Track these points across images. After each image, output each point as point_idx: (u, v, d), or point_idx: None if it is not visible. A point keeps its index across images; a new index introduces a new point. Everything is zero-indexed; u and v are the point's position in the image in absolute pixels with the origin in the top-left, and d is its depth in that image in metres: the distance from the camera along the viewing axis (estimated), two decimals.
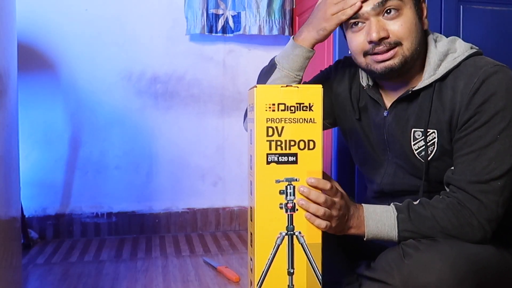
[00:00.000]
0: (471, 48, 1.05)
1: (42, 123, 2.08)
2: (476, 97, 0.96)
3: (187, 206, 2.23)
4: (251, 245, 1.00)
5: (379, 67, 1.03)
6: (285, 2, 2.20)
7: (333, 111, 1.24)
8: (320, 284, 0.97)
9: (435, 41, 1.07)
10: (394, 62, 1.01)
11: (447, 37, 1.10)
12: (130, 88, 2.16)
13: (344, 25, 1.07)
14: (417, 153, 1.07)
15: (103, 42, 2.11)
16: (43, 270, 1.71)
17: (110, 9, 2.12)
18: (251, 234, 1.01)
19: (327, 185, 0.94)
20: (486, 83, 0.96)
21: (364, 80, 1.16)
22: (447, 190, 1.03)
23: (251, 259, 1.01)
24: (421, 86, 1.04)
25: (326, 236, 0.98)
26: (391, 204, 1.03)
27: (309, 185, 0.94)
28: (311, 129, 0.94)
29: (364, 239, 1.02)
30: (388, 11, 1.00)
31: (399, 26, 1.00)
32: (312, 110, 0.94)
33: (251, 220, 0.99)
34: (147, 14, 2.15)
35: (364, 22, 1.02)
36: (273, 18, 2.18)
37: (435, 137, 1.04)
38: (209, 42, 2.22)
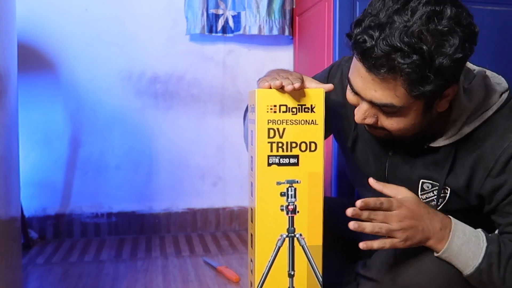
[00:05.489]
0: (502, 93, 0.95)
1: (42, 123, 2.08)
2: (510, 166, 0.88)
3: (187, 206, 2.23)
4: (252, 247, 1.00)
5: (370, 131, 0.97)
6: (285, 2, 2.20)
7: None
8: (321, 286, 0.98)
9: (466, 91, 0.94)
10: (382, 137, 0.96)
11: (471, 71, 0.98)
12: (130, 88, 2.15)
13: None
14: (424, 202, 0.98)
15: (103, 42, 2.11)
16: (43, 270, 1.71)
17: (110, 9, 2.11)
18: (251, 235, 1.01)
19: (376, 202, 0.88)
20: None
21: None
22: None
23: (251, 261, 1.00)
24: (441, 145, 0.95)
25: (325, 236, 0.98)
26: (479, 229, 0.93)
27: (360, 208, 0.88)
28: (313, 131, 0.94)
29: (435, 255, 0.92)
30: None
31: (390, 124, 0.90)
32: (313, 112, 0.94)
33: (252, 222, 0.99)
34: (147, 14, 2.15)
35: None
36: (273, 18, 2.18)
37: (447, 193, 0.97)
38: (209, 42, 2.22)
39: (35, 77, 2.06)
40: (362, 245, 0.88)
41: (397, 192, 0.93)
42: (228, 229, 2.26)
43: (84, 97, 2.10)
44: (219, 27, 2.17)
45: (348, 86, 0.95)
